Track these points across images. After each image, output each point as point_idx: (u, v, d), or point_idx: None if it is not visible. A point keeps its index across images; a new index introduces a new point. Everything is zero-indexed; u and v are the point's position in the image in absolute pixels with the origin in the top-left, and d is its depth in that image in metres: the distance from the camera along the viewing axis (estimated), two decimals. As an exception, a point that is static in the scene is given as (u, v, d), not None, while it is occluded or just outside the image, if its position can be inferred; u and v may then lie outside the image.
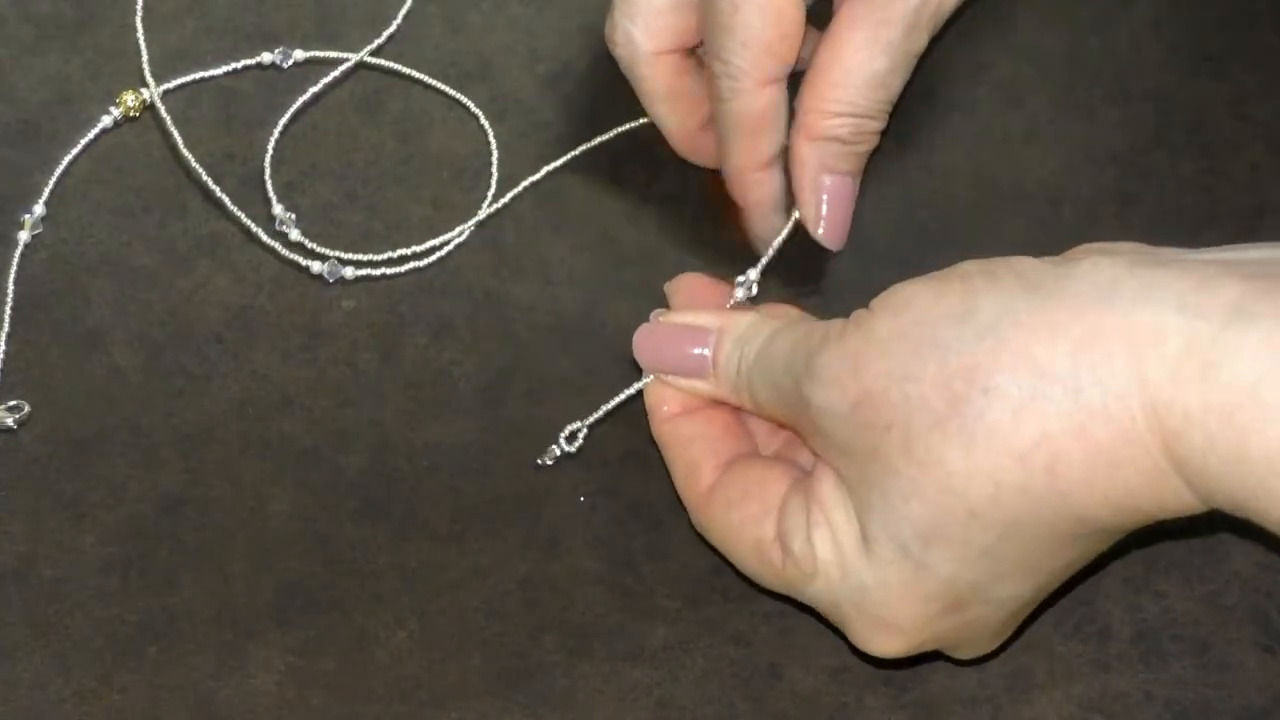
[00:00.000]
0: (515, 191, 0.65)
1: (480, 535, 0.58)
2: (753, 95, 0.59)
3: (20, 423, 0.60)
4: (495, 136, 0.66)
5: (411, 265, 0.63)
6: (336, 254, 0.63)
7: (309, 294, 0.63)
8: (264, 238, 0.63)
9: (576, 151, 0.66)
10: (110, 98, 0.66)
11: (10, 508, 0.58)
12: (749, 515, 0.54)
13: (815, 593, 0.53)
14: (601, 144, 0.66)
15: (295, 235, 0.64)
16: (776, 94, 0.59)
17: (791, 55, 0.59)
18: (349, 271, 0.63)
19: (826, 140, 0.59)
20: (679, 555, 0.58)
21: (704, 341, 0.56)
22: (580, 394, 0.60)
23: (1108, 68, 0.68)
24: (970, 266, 0.50)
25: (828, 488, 0.52)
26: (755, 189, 0.61)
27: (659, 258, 0.63)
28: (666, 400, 0.57)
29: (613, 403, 0.59)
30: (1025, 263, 0.49)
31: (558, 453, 0.59)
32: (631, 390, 0.58)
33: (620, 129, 0.66)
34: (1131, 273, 0.47)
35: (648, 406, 0.57)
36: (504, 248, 0.64)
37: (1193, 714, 0.55)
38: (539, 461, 0.59)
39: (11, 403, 0.60)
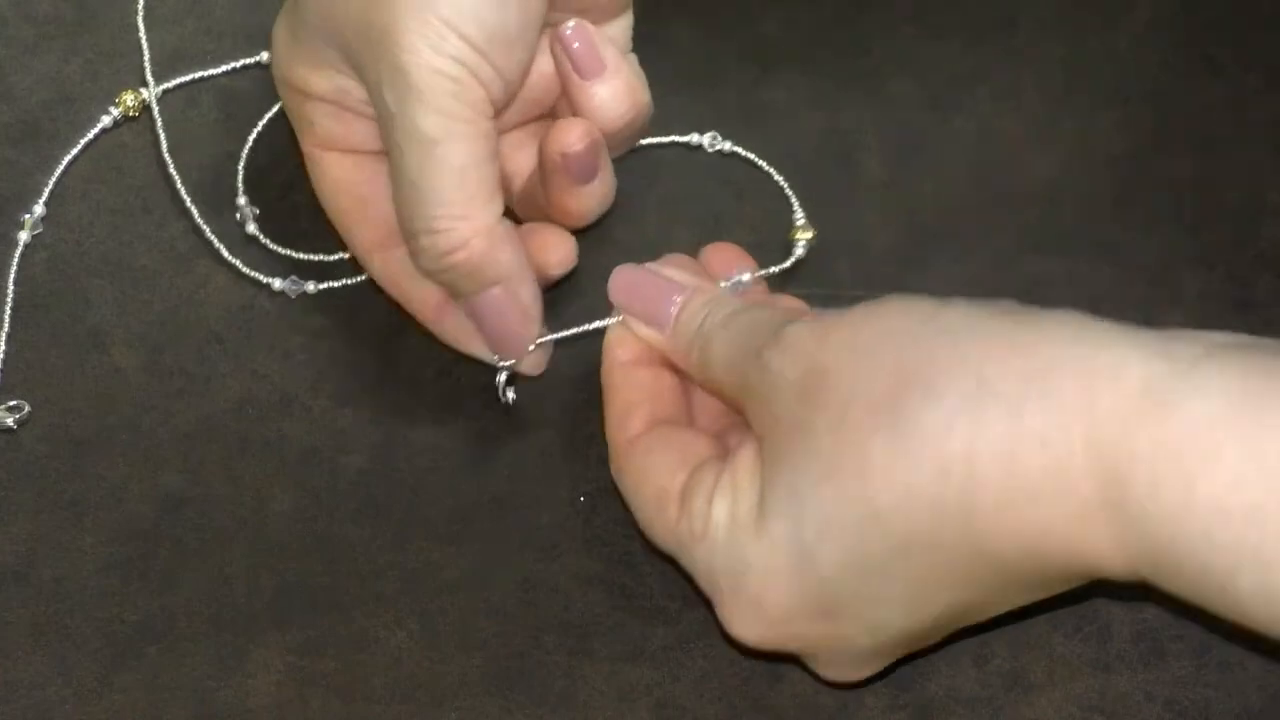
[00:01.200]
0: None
1: (480, 535, 0.58)
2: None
3: (20, 423, 0.60)
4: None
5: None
6: (304, 255, 0.63)
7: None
8: (225, 254, 0.63)
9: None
10: (110, 98, 0.66)
11: (10, 508, 0.58)
12: (664, 463, 0.54)
13: (698, 557, 0.52)
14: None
15: (251, 229, 0.63)
16: None
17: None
18: (310, 286, 0.63)
19: None
20: (679, 555, 0.58)
21: (679, 293, 0.56)
22: (581, 392, 0.60)
23: (1108, 68, 0.68)
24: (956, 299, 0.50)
25: (746, 456, 0.51)
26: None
27: (656, 257, 0.63)
28: (626, 344, 0.57)
29: (575, 330, 0.59)
30: (1008, 302, 0.49)
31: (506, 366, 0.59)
32: (596, 324, 0.58)
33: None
34: (1103, 321, 0.47)
35: (605, 345, 0.57)
36: (504, 248, 0.64)
37: (1193, 714, 0.55)
38: (499, 376, 0.59)
39: (11, 403, 0.60)
